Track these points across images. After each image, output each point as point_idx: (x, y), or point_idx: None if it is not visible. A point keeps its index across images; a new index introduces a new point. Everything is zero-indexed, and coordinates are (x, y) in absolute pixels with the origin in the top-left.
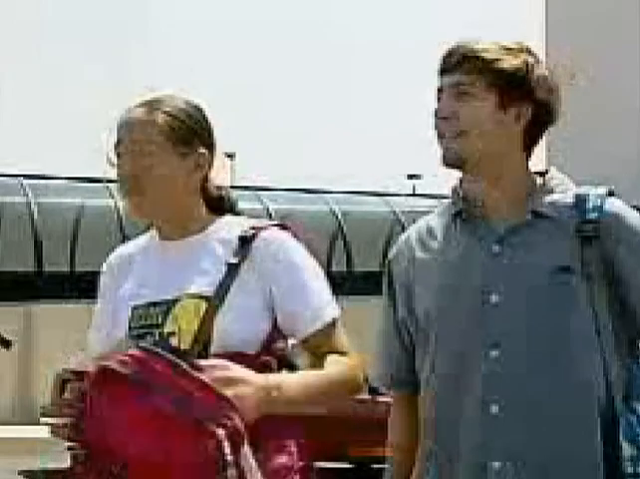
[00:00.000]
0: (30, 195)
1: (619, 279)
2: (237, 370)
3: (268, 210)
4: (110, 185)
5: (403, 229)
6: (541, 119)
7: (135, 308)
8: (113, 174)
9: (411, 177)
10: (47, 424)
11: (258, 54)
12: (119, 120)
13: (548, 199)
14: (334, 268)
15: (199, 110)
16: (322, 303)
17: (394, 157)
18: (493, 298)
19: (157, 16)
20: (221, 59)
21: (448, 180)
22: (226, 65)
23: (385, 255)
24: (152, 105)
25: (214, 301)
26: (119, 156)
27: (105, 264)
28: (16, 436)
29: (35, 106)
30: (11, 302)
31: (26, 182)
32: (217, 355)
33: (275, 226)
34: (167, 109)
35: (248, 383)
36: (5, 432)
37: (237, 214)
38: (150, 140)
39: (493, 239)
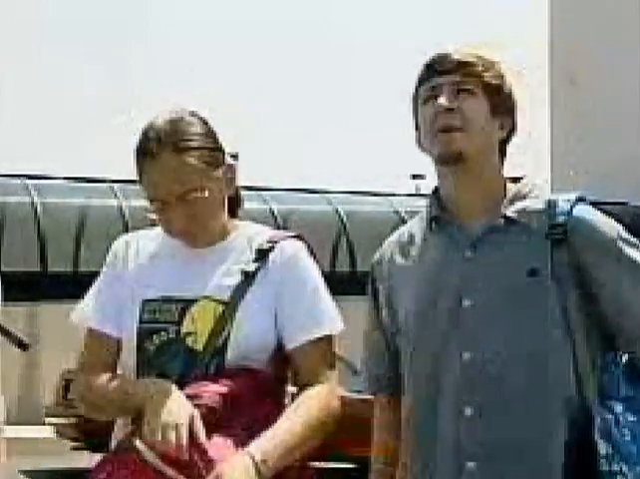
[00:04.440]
0: (34, 195)
1: (588, 281)
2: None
3: (272, 210)
4: (113, 185)
5: None
6: (511, 133)
7: (146, 301)
8: (116, 174)
9: (414, 177)
10: (51, 424)
11: (259, 54)
12: (145, 171)
13: (520, 205)
14: (337, 269)
15: (206, 122)
16: (325, 315)
17: (397, 157)
18: (466, 302)
19: (157, 16)
20: (222, 59)
21: None
22: (227, 65)
23: None
24: (176, 145)
25: (230, 306)
26: (161, 209)
27: (116, 245)
28: (20, 436)
29: (36, 106)
30: (15, 302)
31: (30, 182)
32: (230, 372)
33: (292, 237)
34: (193, 142)
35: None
36: (9, 432)
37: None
38: (191, 187)
39: (467, 244)
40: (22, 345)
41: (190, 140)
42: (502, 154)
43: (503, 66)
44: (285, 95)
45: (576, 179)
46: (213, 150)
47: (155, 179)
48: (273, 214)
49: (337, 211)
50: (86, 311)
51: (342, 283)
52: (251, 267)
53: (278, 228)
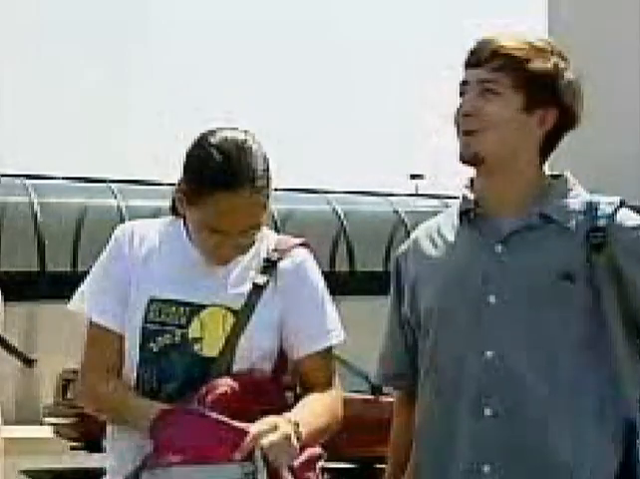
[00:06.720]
0: (33, 194)
1: (627, 288)
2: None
3: (271, 209)
4: (112, 185)
5: (405, 228)
6: (563, 124)
7: (153, 300)
8: (115, 174)
9: (413, 177)
10: (50, 424)
11: (259, 54)
12: (216, 201)
13: (558, 203)
14: (336, 268)
15: (263, 150)
16: (332, 325)
17: (396, 157)
18: (492, 299)
19: (157, 16)
20: (222, 59)
21: (450, 180)
22: (227, 65)
23: (387, 255)
24: (254, 184)
25: (243, 317)
26: (214, 235)
27: (120, 233)
28: (19, 436)
29: (36, 105)
30: (13, 302)
31: (29, 182)
32: (239, 374)
33: (299, 245)
34: (264, 181)
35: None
36: (8, 432)
37: None
38: (256, 224)
39: (497, 240)
40: (27, 362)
41: (262, 177)
42: (548, 148)
43: (560, 53)
44: (285, 95)
45: (578, 179)
46: (269, 184)
47: (226, 211)
48: (272, 214)
49: (336, 210)
50: (88, 300)
51: (341, 283)
52: (261, 280)
53: (277, 227)
